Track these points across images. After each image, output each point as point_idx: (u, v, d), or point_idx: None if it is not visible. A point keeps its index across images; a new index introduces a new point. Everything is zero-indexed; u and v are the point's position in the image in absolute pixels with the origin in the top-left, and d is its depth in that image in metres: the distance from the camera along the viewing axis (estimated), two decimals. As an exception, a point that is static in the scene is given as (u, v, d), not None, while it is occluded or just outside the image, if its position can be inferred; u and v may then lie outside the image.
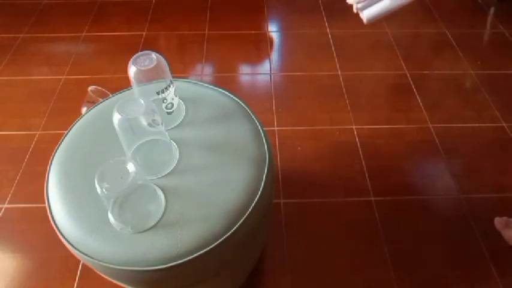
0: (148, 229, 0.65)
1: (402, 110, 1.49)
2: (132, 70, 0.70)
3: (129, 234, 0.65)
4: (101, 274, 0.70)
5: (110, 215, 0.66)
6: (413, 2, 0.61)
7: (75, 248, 0.66)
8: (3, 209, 1.19)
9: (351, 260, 1.09)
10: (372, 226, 1.15)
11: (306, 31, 1.87)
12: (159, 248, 0.64)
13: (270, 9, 2.00)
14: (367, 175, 1.27)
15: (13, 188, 1.24)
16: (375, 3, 0.60)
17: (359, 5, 0.61)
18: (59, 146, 0.79)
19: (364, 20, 0.61)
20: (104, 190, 0.57)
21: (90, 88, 1.29)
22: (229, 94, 0.87)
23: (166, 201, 0.68)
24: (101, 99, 1.29)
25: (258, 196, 0.70)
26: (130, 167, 0.59)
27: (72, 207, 0.69)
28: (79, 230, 0.66)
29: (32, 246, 1.12)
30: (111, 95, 1.30)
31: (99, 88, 1.31)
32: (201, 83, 0.90)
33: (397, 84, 1.61)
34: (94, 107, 0.87)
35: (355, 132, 1.40)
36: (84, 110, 1.31)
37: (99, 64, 1.68)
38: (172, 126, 0.80)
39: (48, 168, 0.76)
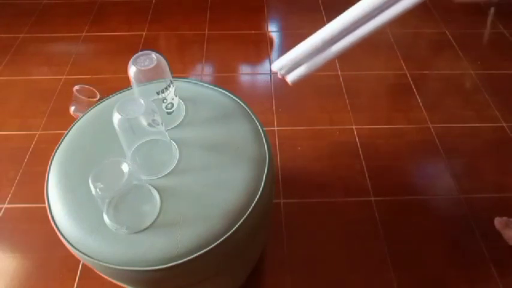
0: (146, 229, 0.65)
1: (402, 110, 1.49)
2: (132, 70, 0.70)
3: (128, 234, 0.65)
4: (101, 274, 0.70)
5: (105, 216, 0.66)
6: (323, 66, 0.69)
7: (75, 248, 0.66)
8: (3, 209, 1.19)
9: (351, 260, 1.09)
10: (372, 226, 1.15)
11: (306, 31, 1.85)
12: (159, 248, 0.64)
13: (270, 9, 2.00)
14: (367, 175, 1.27)
15: (13, 188, 1.24)
16: (293, 70, 0.69)
17: (281, 72, 0.70)
18: (59, 146, 0.79)
19: (289, 83, 0.70)
20: (99, 190, 0.57)
21: (75, 88, 1.28)
22: (229, 94, 0.87)
23: (167, 201, 0.68)
24: (87, 98, 1.28)
25: (258, 196, 0.70)
26: (125, 167, 0.59)
27: (72, 207, 0.69)
28: (79, 230, 0.66)
29: (32, 246, 1.12)
30: (98, 93, 1.30)
31: (85, 86, 1.30)
32: (201, 83, 0.90)
33: (397, 84, 1.61)
34: (94, 107, 0.87)
35: (355, 132, 1.40)
36: (72, 109, 1.30)
37: (99, 64, 1.68)
38: (172, 126, 0.80)
39: (48, 168, 0.76)
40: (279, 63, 0.70)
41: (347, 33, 0.68)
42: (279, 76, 0.71)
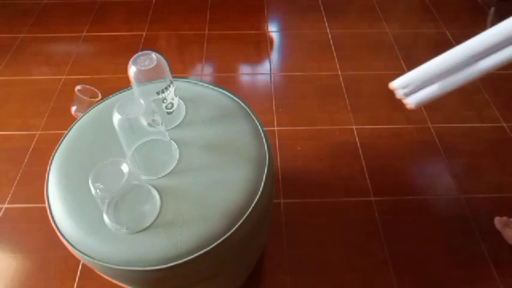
0: (146, 229, 0.65)
1: (402, 110, 1.47)
2: (132, 70, 0.70)
3: (128, 234, 0.65)
4: (100, 274, 0.70)
5: (105, 216, 0.66)
6: (461, 86, 0.54)
7: (75, 248, 0.66)
8: (3, 209, 1.19)
9: (351, 260, 1.09)
10: (372, 226, 1.15)
11: (306, 31, 1.87)
12: (159, 248, 0.64)
13: (270, 9, 2.00)
14: (367, 175, 1.27)
15: (13, 188, 1.24)
16: (421, 89, 0.53)
17: (405, 91, 0.54)
18: (59, 146, 0.79)
19: (413, 106, 0.55)
20: (98, 191, 0.57)
21: (76, 88, 1.28)
22: (229, 94, 0.87)
23: (166, 201, 0.68)
24: (89, 98, 1.28)
25: (258, 196, 0.70)
26: (125, 167, 0.59)
27: (72, 207, 0.69)
28: (79, 230, 0.66)
29: (32, 246, 1.12)
30: (99, 93, 1.30)
31: (87, 86, 1.30)
32: (201, 83, 0.90)
33: (397, 84, 1.61)
34: (94, 107, 0.87)
35: (355, 132, 1.40)
36: (73, 109, 1.30)
37: (99, 64, 1.68)
38: (172, 126, 0.80)
39: (48, 168, 0.76)
40: (401, 81, 0.55)
41: (505, 45, 0.52)
42: (398, 96, 0.55)
